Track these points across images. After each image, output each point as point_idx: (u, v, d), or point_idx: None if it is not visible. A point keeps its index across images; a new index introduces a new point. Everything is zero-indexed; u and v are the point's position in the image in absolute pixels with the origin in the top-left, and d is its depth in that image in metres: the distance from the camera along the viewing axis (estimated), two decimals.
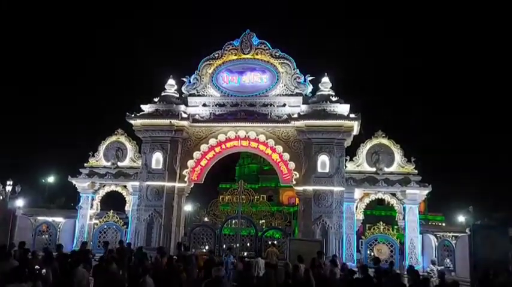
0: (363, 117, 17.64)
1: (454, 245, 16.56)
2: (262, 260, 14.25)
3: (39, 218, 19.80)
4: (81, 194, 19.52)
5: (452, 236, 17.10)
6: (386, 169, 17.74)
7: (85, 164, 19.74)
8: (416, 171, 17.61)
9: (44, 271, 9.42)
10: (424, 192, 17.42)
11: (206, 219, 20.51)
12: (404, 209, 17.42)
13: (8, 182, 19.85)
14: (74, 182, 19.47)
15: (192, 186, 19.57)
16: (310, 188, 17.38)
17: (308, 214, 17.30)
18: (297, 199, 25.41)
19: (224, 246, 18.90)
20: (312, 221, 17.06)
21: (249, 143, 18.70)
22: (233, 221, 19.91)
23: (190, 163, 18.79)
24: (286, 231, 19.20)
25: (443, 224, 36.56)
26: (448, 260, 16.73)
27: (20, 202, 21.57)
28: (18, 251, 11.48)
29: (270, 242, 18.36)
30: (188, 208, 25.17)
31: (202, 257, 14.38)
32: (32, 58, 74.38)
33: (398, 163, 17.82)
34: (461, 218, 38.22)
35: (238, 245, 18.73)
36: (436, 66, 78.27)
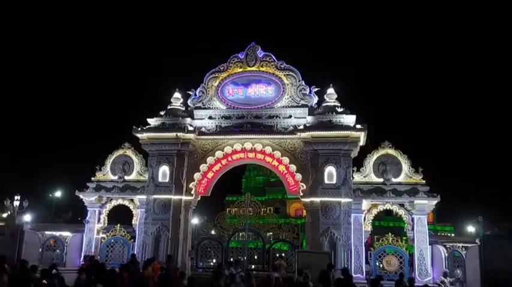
0: (370, 128, 17.59)
1: (464, 256, 16.37)
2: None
3: (47, 232, 19.80)
4: (88, 208, 19.55)
5: (462, 246, 16.90)
6: (393, 180, 17.61)
7: (92, 178, 19.79)
8: (424, 181, 17.46)
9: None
10: (432, 202, 17.25)
11: (213, 232, 20.44)
12: (412, 219, 17.26)
13: (16, 197, 19.92)
14: (81, 196, 19.50)
15: (198, 199, 19.53)
16: (317, 199, 17.27)
17: (316, 226, 17.17)
18: (304, 211, 25.27)
19: (231, 259, 18.80)
20: (320, 233, 16.92)
21: (255, 155, 18.67)
22: (240, 234, 19.82)
23: (197, 175, 18.77)
24: (294, 243, 19.07)
25: (453, 235, 36.19)
26: (458, 271, 16.53)
27: (27, 217, 21.67)
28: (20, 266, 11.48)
29: (277, 255, 18.24)
30: (195, 221, 25.14)
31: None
32: (38, 72, 75.13)
33: (406, 173, 17.70)
34: (470, 229, 37.80)
35: (245, 258, 18.63)
36: (444, 71, 78.14)
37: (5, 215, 20.50)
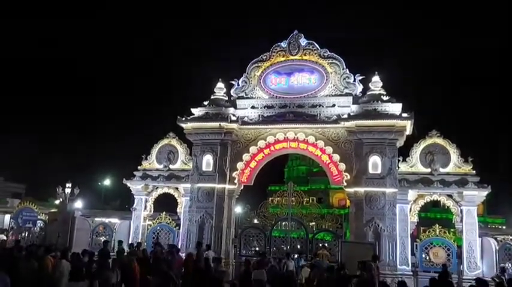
0: (416, 117, 17.07)
1: None
2: (291, 263, 14.60)
3: (96, 219, 20.62)
4: (135, 196, 20.15)
5: None
6: (441, 170, 17.09)
7: (138, 167, 20.35)
8: (474, 171, 16.85)
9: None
10: (482, 193, 16.62)
11: (256, 221, 20.56)
12: (461, 211, 16.71)
13: (67, 185, 20.73)
14: (128, 184, 20.10)
15: (241, 188, 19.67)
16: (361, 189, 17.00)
17: (359, 216, 16.91)
18: (347, 201, 24.97)
19: (274, 248, 18.88)
20: (364, 223, 16.66)
21: (298, 144, 18.55)
22: (283, 223, 19.84)
23: (240, 165, 18.89)
24: (337, 233, 18.91)
25: (504, 227, 34.74)
26: (509, 264, 15.89)
27: (78, 204, 22.49)
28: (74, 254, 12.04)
29: (320, 245, 18.15)
30: (238, 209, 25.32)
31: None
32: (89, 63, 77.65)
33: (455, 163, 17.12)
34: None
35: (288, 247, 18.65)
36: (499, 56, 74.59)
37: (57, 202, 21.40)
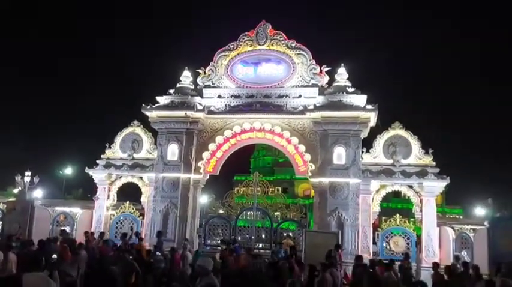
0: (380, 109, 17.40)
1: (472, 238, 16.33)
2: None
3: (57, 208, 20.06)
4: (98, 185, 19.71)
5: (471, 229, 16.85)
6: (403, 161, 17.50)
7: (101, 156, 19.91)
8: (434, 163, 17.34)
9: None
10: (442, 184, 17.15)
11: (221, 211, 20.58)
12: (421, 201, 17.21)
13: (27, 173, 20.13)
14: (90, 173, 19.66)
15: (207, 178, 19.59)
16: (325, 180, 17.22)
17: (323, 206, 17.15)
18: (312, 191, 25.28)
19: (239, 237, 18.94)
20: (328, 213, 16.91)
21: (264, 134, 18.61)
22: (248, 213, 19.94)
23: (206, 154, 18.79)
24: (302, 223, 19.16)
25: (462, 217, 36.07)
26: (465, 253, 16.49)
27: (38, 193, 21.94)
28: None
29: (285, 234, 18.35)
30: (204, 199, 25.28)
31: None
32: (49, 49, 75.16)
33: (416, 155, 17.57)
34: (480, 211, 37.68)
35: (253, 237, 18.76)
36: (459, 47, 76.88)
37: (16, 190, 20.75)
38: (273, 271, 10.91)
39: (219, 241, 17.57)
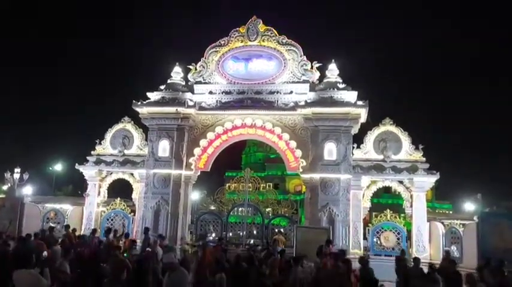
0: (371, 105, 17.44)
1: (462, 233, 16.47)
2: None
3: (47, 205, 19.91)
4: (88, 182, 19.61)
5: (460, 223, 16.99)
6: (393, 157, 17.61)
7: (92, 152, 19.79)
8: (424, 159, 17.48)
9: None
10: (431, 180, 17.29)
11: (212, 207, 20.54)
12: (411, 196, 17.33)
13: (16, 170, 19.92)
14: (81, 169, 19.53)
15: (198, 174, 19.56)
16: (316, 176, 17.27)
17: (315, 202, 17.21)
18: (303, 187, 25.31)
19: (230, 233, 18.95)
20: (319, 209, 16.96)
21: (256, 130, 18.60)
22: (240, 209, 19.94)
23: (197, 150, 18.74)
24: (293, 219, 19.19)
25: (451, 212, 36.35)
26: (454, 248, 16.62)
27: (28, 190, 21.72)
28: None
29: (276, 230, 18.39)
30: (195, 196, 25.19)
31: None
32: (42, 43, 74.45)
33: (406, 151, 17.68)
34: (469, 207, 37.90)
35: (244, 233, 18.77)
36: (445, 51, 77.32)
37: (5, 187, 20.56)
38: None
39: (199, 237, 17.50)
